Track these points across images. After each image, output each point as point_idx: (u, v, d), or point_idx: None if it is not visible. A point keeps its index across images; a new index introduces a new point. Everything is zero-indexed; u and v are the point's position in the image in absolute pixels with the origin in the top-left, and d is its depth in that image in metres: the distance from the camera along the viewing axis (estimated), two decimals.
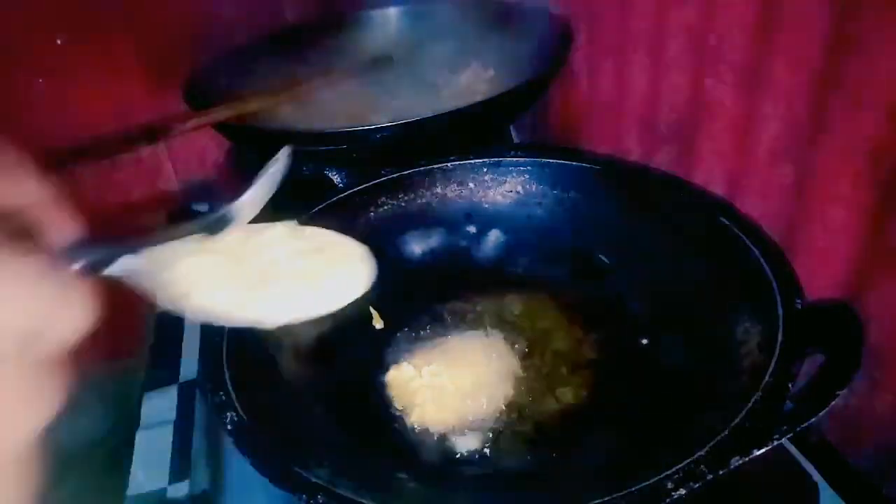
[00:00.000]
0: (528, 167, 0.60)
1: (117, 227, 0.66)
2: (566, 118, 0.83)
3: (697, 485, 0.31)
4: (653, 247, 0.53)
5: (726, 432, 0.34)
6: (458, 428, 0.45)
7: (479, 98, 0.65)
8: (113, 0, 0.82)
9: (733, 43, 0.52)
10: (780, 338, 0.39)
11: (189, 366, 0.64)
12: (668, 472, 0.32)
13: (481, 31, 0.82)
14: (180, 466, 0.54)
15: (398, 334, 0.53)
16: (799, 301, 0.41)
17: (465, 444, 0.44)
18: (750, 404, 0.35)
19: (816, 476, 0.45)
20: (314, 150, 0.63)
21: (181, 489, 0.52)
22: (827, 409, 0.33)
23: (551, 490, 0.40)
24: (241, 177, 0.61)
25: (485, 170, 0.60)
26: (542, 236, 0.59)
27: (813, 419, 0.33)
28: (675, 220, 0.52)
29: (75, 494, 0.64)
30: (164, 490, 0.52)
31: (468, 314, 0.54)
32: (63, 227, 0.27)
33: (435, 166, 0.60)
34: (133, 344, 0.70)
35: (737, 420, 0.34)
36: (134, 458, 0.55)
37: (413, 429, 0.46)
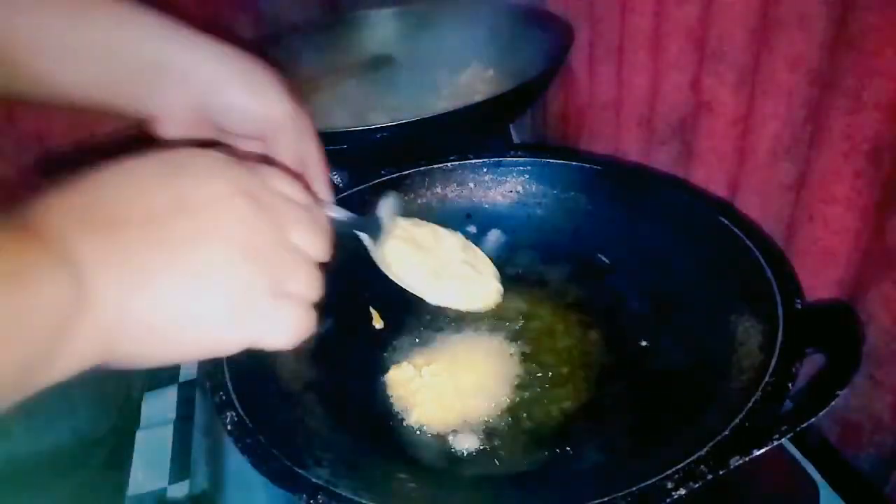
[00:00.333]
0: (528, 167, 0.60)
1: None
2: (566, 118, 0.83)
3: (697, 485, 0.32)
4: (653, 247, 0.53)
5: (726, 432, 0.34)
6: (458, 428, 0.45)
7: (479, 98, 0.65)
8: None
9: (733, 43, 0.52)
10: (780, 338, 0.39)
11: (189, 366, 0.64)
12: (668, 472, 0.32)
13: (481, 31, 0.82)
14: (180, 466, 0.54)
15: (398, 334, 0.53)
16: (799, 301, 0.41)
17: (465, 444, 0.44)
18: (750, 404, 0.35)
19: (816, 476, 0.45)
20: None
21: (181, 489, 0.52)
22: (827, 409, 0.33)
23: (551, 490, 0.40)
24: None
25: (485, 170, 0.60)
26: (542, 236, 0.59)
27: (813, 419, 0.33)
28: (675, 220, 0.52)
29: (75, 494, 0.64)
30: (164, 490, 0.52)
31: (468, 314, 0.54)
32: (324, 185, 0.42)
33: (435, 166, 0.60)
34: None
35: (737, 420, 0.35)
36: (134, 458, 0.55)
37: (413, 429, 0.46)
